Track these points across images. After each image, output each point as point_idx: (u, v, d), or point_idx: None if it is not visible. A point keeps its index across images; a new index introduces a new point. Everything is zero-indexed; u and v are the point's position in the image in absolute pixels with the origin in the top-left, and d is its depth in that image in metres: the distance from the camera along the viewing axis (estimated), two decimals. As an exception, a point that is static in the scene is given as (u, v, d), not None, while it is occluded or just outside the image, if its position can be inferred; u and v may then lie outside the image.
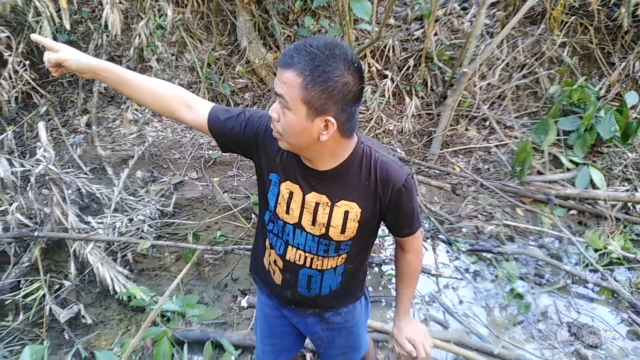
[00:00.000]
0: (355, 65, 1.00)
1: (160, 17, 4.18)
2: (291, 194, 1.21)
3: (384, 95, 4.43)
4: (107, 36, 4.16)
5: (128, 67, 4.31)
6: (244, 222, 3.30)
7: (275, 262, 1.34)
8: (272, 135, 1.17)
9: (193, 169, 3.80)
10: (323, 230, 1.21)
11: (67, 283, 2.64)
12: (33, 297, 2.52)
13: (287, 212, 1.23)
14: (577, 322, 2.67)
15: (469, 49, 4.26)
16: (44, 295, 2.52)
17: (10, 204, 2.78)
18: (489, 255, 3.17)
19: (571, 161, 4.02)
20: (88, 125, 3.96)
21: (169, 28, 4.20)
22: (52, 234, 2.70)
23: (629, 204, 3.64)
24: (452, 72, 4.38)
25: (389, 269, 3.03)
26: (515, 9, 4.79)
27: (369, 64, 4.53)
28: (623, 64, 4.64)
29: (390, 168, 1.17)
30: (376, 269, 3.04)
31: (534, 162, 3.98)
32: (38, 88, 3.94)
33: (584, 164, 3.91)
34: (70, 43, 4.15)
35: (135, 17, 4.32)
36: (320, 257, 1.27)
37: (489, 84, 4.61)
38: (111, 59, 4.30)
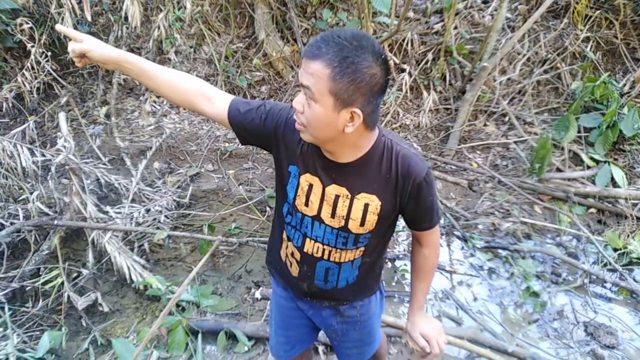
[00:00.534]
0: (383, 57, 1.00)
1: (179, 9, 4.20)
2: (311, 186, 1.21)
3: (401, 90, 4.38)
4: (127, 28, 4.21)
5: (147, 59, 4.37)
6: (259, 215, 3.32)
7: (292, 254, 1.34)
8: (292, 127, 1.17)
9: (209, 161, 3.83)
10: (342, 223, 1.21)
11: (85, 271, 2.69)
12: (52, 284, 2.57)
13: (307, 205, 1.22)
14: (593, 322, 2.62)
15: (489, 43, 4.18)
16: (62, 283, 2.57)
17: (31, 193, 2.84)
18: (504, 253, 3.13)
19: (592, 159, 3.93)
20: (107, 116, 4.02)
21: (187, 20, 4.22)
22: (71, 223, 2.75)
23: (652, 204, 3.55)
24: (471, 66, 4.32)
25: (402, 264, 3.02)
26: (537, 2, 4.69)
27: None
28: (649, 60, 4.51)
29: (412, 161, 1.16)
30: (390, 264, 3.03)
31: (554, 159, 3.90)
32: (59, 79, 4.01)
33: (605, 162, 3.82)
34: (90, 34, 4.20)
35: (154, 9, 4.35)
36: (338, 250, 1.26)
37: (509, 78, 4.53)
38: (130, 50, 4.34)
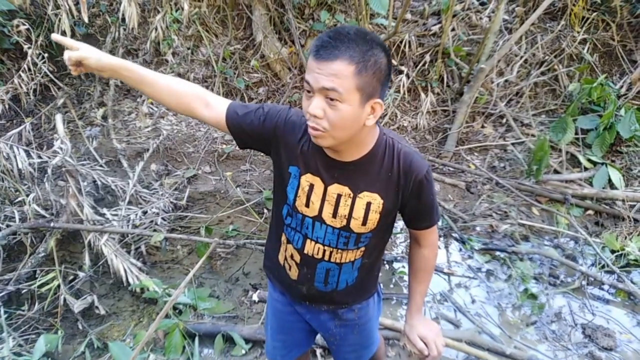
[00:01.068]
0: (386, 46, 1.04)
1: (176, 10, 4.20)
2: (312, 186, 1.20)
3: (399, 91, 4.39)
4: (124, 29, 4.20)
5: (144, 61, 4.36)
6: (256, 217, 3.31)
7: (292, 256, 1.33)
8: (292, 128, 1.19)
9: (206, 162, 3.82)
10: (344, 223, 1.21)
11: (81, 274, 2.68)
12: (48, 287, 2.55)
13: (307, 206, 1.22)
14: (591, 324, 2.62)
15: (487, 44, 4.19)
16: (58, 286, 2.55)
17: (27, 195, 2.82)
18: (502, 255, 3.13)
19: (589, 160, 3.94)
20: (104, 118, 4.01)
21: (185, 22, 4.22)
22: (68, 225, 2.74)
23: (649, 205, 3.56)
24: (469, 68, 4.32)
25: (400, 266, 3.02)
26: (535, 4, 4.70)
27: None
28: (646, 62, 4.52)
29: (413, 159, 1.17)
30: (387, 266, 3.03)
31: (551, 161, 3.91)
32: (56, 80, 4.00)
33: (602, 164, 3.83)
34: (88, 36, 4.20)
35: (152, 11, 4.35)
36: (339, 250, 1.26)
37: (506, 80, 4.54)
38: (128, 52, 4.34)
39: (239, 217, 3.36)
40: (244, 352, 2.31)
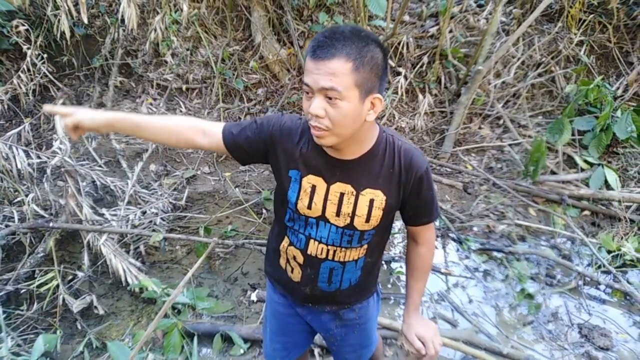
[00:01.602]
0: (381, 41, 1.06)
1: (176, 11, 4.21)
2: (314, 187, 1.21)
3: (396, 93, 4.41)
4: (124, 30, 4.21)
5: (144, 62, 4.37)
6: (255, 217, 3.32)
7: (294, 258, 1.33)
8: (287, 132, 1.21)
9: (205, 163, 3.83)
10: (348, 221, 1.22)
11: (80, 274, 2.69)
12: (47, 287, 2.55)
13: (309, 207, 1.22)
14: (588, 324, 2.64)
15: (484, 46, 4.22)
16: (57, 286, 2.56)
17: (27, 195, 2.83)
18: (499, 255, 3.15)
19: (586, 161, 3.96)
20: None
21: (184, 23, 4.22)
22: (67, 225, 2.75)
23: (645, 206, 3.58)
24: (466, 69, 4.35)
25: (398, 266, 3.03)
26: (532, 6, 4.73)
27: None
28: (642, 64, 4.55)
29: (414, 155, 1.20)
30: (385, 266, 3.04)
31: (548, 162, 3.93)
32: (55, 81, 4.01)
33: (599, 165, 3.86)
34: (87, 37, 4.21)
35: (151, 12, 4.35)
36: (343, 249, 1.27)
37: (503, 82, 4.56)
38: (127, 53, 4.35)
39: (237, 217, 3.37)
40: (242, 351, 2.32)
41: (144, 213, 3.09)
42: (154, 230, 2.97)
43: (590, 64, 4.64)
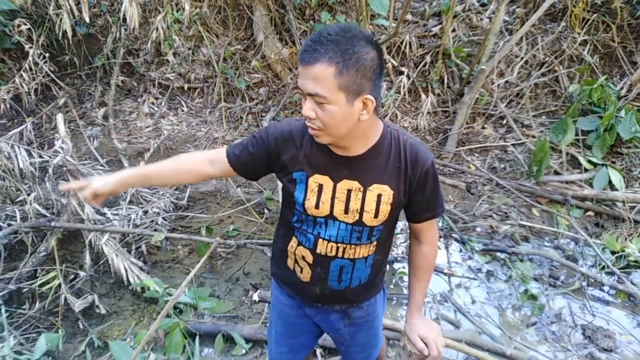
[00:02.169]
0: (374, 39, 1.05)
1: (177, 11, 4.20)
2: (320, 186, 1.21)
3: (399, 92, 4.39)
4: (125, 29, 4.20)
5: (145, 61, 4.36)
6: (257, 217, 3.32)
7: (303, 258, 1.32)
8: (287, 137, 1.22)
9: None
10: (357, 217, 1.22)
11: (82, 273, 2.68)
12: (49, 286, 2.55)
13: (317, 207, 1.22)
14: (591, 325, 2.62)
15: (487, 46, 4.20)
16: (59, 285, 2.55)
17: (29, 194, 2.82)
18: (502, 256, 3.13)
19: (589, 162, 3.94)
20: (105, 117, 4.01)
21: (186, 22, 4.22)
22: (69, 225, 2.74)
23: (649, 207, 3.56)
24: (469, 69, 4.33)
25: (400, 266, 3.02)
26: (535, 5, 4.71)
27: (384, 60, 4.50)
28: (646, 63, 4.52)
29: (419, 150, 1.20)
30: (388, 266, 3.03)
31: (552, 162, 3.91)
32: (57, 80, 4.00)
33: (603, 165, 3.84)
34: (89, 36, 4.21)
35: (153, 11, 4.35)
36: (352, 246, 1.26)
37: (507, 81, 4.55)
38: (129, 52, 4.34)
39: (239, 217, 3.36)
40: (244, 351, 2.31)
41: (145, 213, 3.09)
42: (155, 230, 2.97)
43: (594, 63, 4.62)
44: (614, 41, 4.66)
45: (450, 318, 2.63)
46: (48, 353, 2.23)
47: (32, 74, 3.74)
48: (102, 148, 3.74)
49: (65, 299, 2.49)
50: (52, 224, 2.70)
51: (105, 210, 3.00)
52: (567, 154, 4.01)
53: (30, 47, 3.69)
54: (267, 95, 4.42)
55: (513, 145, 4.16)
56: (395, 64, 4.55)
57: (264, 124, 4.13)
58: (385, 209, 1.21)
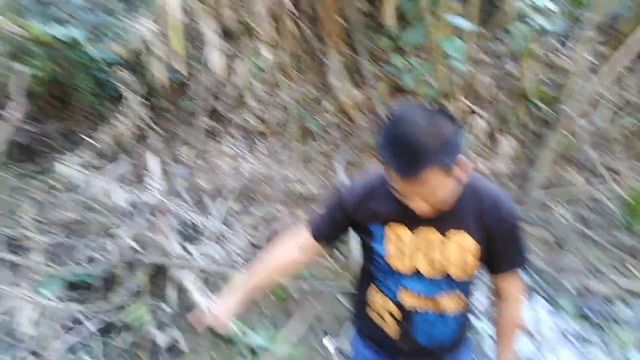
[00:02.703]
0: (447, 112, 1.06)
1: (257, 57, 4.43)
2: (398, 237, 1.21)
3: (475, 134, 4.28)
4: (210, 76, 4.50)
5: (226, 104, 4.61)
6: (332, 262, 3.32)
7: (390, 312, 1.31)
8: (362, 196, 1.26)
9: (283, 203, 3.92)
10: (442, 270, 1.20)
11: (167, 308, 2.81)
12: (136, 319, 2.70)
13: (400, 260, 1.22)
14: None
15: (569, 86, 4.01)
16: (146, 318, 2.69)
17: (121, 229, 3.04)
18: (596, 318, 2.86)
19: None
20: (190, 157, 4.27)
21: (266, 70, 4.45)
22: (160, 260, 2.91)
23: None
24: (550, 110, 4.14)
25: (480, 324, 2.85)
26: (619, 42, 4.44)
27: (459, 101, 4.43)
28: None
29: (500, 197, 1.18)
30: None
31: (649, 213, 3.57)
32: (151, 123, 4.35)
33: None
34: (181, 84, 4.56)
35: (234, 57, 4.63)
36: (441, 299, 1.25)
37: (593, 124, 4.28)
38: (213, 96, 4.63)
39: (314, 260, 3.38)
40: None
41: (225, 250, 3.20)
42: (233, 267, 3.06)
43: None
44: None
45: (539, 384, 2.43)
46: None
47: (130, 118, 4.10)
48: (187, 186, 3.96)
49: (150, 333, 2.61)
50: (143, 258, 2.88)
51: (188, 245, 3.14)
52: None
53: (129, 94, 4.07)
54: (341, 138, 4.50)
55: (603, 193, 3.86)
56: (470, 105, 4.47)
57: (335, 165, 4.19)
58: (470, 260, 1.19)
